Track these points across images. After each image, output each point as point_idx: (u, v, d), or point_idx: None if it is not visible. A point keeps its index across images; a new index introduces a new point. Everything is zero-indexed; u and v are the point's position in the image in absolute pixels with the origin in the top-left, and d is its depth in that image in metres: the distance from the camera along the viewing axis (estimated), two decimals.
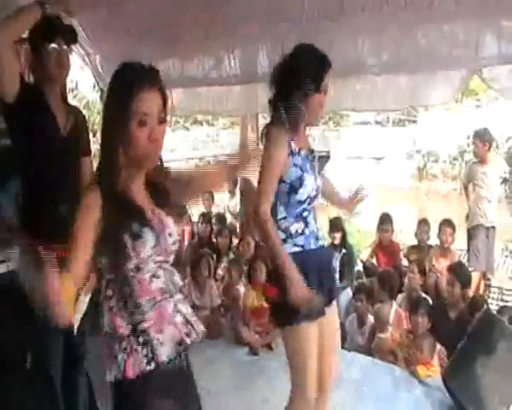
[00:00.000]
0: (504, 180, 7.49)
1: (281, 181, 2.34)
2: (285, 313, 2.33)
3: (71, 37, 2.59)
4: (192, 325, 1.76)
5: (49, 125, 2.48)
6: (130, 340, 1.63)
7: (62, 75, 2.58)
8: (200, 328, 1.80)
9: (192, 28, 4.40)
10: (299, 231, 2.38)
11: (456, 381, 3.47)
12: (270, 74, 2.45)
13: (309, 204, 2.41)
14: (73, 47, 2.70)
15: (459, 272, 4.58)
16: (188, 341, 1.73)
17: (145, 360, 1.62)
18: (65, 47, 2.51)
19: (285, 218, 2.37)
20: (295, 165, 2.34)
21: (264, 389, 2.51)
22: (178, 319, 1.73)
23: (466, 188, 6.10)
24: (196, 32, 4.43)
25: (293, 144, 2.35)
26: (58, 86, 2.59)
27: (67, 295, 1.47)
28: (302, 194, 2.35)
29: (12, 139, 2.56)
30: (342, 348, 4.33)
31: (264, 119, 5.34)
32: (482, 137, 5.89)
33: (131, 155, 1.63)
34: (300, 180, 2.34)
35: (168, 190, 1.82)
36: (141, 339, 1.63)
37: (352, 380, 3.74)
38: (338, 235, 5.98)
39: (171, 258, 1.77)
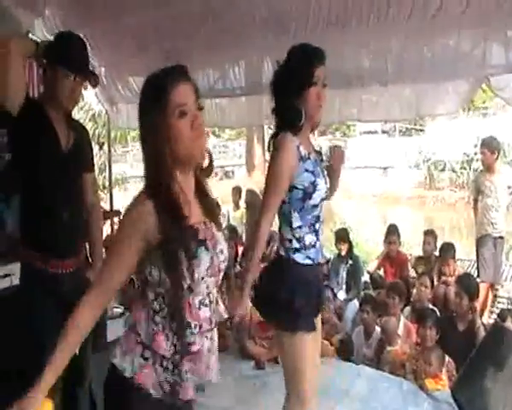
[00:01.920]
0: None
1: (293, 188, 2.33)
2: (285, 319, 2.36)
3: (93, 78, 2.59)
4: (213, 366, 1.69)
5: (50, 141, 2.46)
6: (155, 356, 1.57)
7: (70, 105, 2.56)
8: (217, 369, 1.72)
9: (196, 40, 4.40)
10: (312, 243, 2.39)
11: (465, 394, 3.43)
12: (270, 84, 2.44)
13: (320, 209, 2.42)
14: None
15: (466, 284, 4.53)
16: (212, 379, 1.68)
17: (158, 387, 1.57)
18: (82, 79, 2.50)
19: (300, 227, 2.37)
20: (307, 170, 2.33)
21: (266, 404, 2.47)
22: (211, 360, 1.66)
23: (476, 200, 6.02)
24: (201, 44, 4.43)
25: (302, 149, 2.33)
26: (64, 109, 2.56)
27: None
28: (316, 198, 2.35)
29: (13, 154, 2.56)
30: (349, 360, 4.31)
31: (270, 129, 5.34)
32: (490, 146, 5.85)
33: (178, 151, 1.56)
34: (314, 185, 2.33)
35: (216, 201, 1.76)
36: (166, 364, 1.57)
37: (358, 393, 3.69)
38: (344, 246, 5.96)
39: (221, 276, 1.70)
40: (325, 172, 2.48)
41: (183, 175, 1.61)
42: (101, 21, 4.51)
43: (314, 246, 2.39)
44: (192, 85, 1.61)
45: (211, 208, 1.71)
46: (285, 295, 2.32)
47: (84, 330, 1.56)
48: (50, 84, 2.47)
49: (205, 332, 1.61)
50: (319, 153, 2.52)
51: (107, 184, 8.63)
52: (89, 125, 15.30)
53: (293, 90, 2.32)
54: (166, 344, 1.56)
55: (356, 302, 5.32)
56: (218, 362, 1.71)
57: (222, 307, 1.73)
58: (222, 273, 1.70)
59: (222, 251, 1.66)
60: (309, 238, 2.38)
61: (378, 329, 4.52)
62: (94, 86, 2.69)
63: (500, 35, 3.56)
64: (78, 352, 2.52)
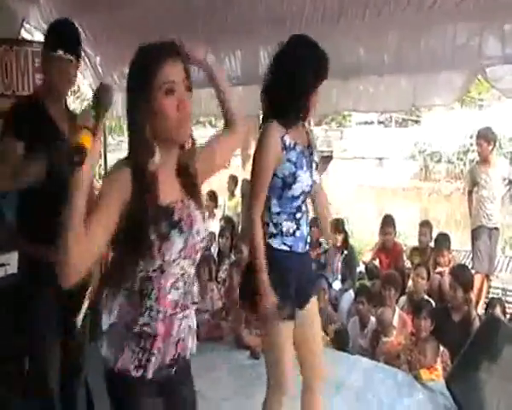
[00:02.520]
0: (509, 182, 7.44)
1: (274, 176, 2.33)
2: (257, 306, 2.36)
3: (74, 48, 2.54)
4: (187, 343, 1.72)
5: (50, 136, 2.45)
6: (130, 335, 1.59)
7: (65, 86, 2.54)
8: (194, 345, 1.75)
9: (192, 30, 4.38)
10: (291, 232, 2.38)
11: (460, 386, 3.43)
12: (267, 66, 2.43)
13: (303, 200, 2.41)
14: None
15: (461, 276, 4.54)
16: (180, 358, 1.69)
17: (136, 363, 1.58)
18: (70, 57, 2.47)
19: (278, 213, 2.36)
20: (289, 160, 2.32)
21: (262, 394, 2.48)
22: (180, 337, 1.67)
23: (470, 191, 6.03)
24: (197, 34, 4.41)
25: (287, 139, 2.32)
26: (61, 97, 2.57)
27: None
28: (296, 189, 2.34)
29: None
30: (345, 351, 4.32)
31: None
32: (486, 137, 5.85)
33: (161, 128, 1.54)
34: (294, 176, 2.32)
35: (197, 179, 1.72)
36: (141, 342, 1.59)
37: (353, 384, 3.70)
38: (340, 237, 5.96)
39: (198, 256, 1.69)
40: (314, 166, 2.44)
41: (165, 152, 1.59)
42: (96, 11, 4.48)
43: (293, 234, 2.38)
44: (183, 64, 1.59)
45: (191, 187, 1.69)
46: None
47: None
48: (46, 72, 2.50)
49: (172, 315, 1.62)
50: (310, 145, 2.47)
51: (102, 173, 8.60)
52: None
53: (299, 90, 2.30)
54: (133, 317, 1.58)
55: (351, 293, 5.34)
56: (193, 340, 1.73)
57: (196, 290, 1.74)
58: (199, 253, 1.68)
59: (198, 231, 1.64)
60: (287, 225, 2.36)
61: (373, 319, 4.53)
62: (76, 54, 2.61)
63: (496, 26, 3.56)
64: (73, 343, 2.54)
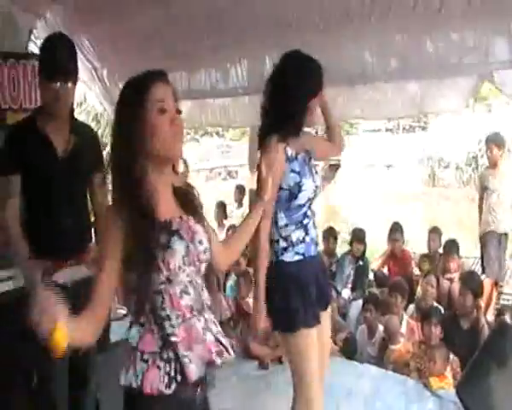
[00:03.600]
0: None
1: (279, 188, 2.35)
2: (283, 320, 2.38)
3: (71, 77, 2.55)
4: (223, 344, 1.71)
5: (42, 153, 2.48)
6: (154, 354, 1.58)
7: (62, 109, 2.55)
8: (231, 347, 1.75)
9: (198, 41, 4.40)
10: (300, 239, 2.40)
11: (470, 393, 3.39)
12: (266, 81, 2.46)
13: (309, 207, 2.43)
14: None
15: (470, 282, 4.51)
16: (218, 361, 1.68)
17: (166, 380, 1.57)
18: (66, 85, 2.49)
19: (286, 226, 2.39)
20: (293, 171, 2.35)
21: (271, 405, 2.46)
22: (209, 337, 1.66)
23: (481, 197, 5.98)
24: (202, 45, 4.43)
25: (289, 150, 2.36)
26: (59, 118, 2.57)
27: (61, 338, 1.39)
28: (301, 198, 2.37)
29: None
30: (353, 359, 4.30)
31: None
32: (496, 141, 5.83)
33: (154, 145, 1.58)
34: (299, 186, 2.35)
35: (197, 199, 1.76)
36: (166, 355, 1.58)
37: (362, 392, 3.68)
38: (360, 247, 5.93)
39: (203, 267, 1.71)
40: (314, 171, 2.48)
41: (158, 172, 1.63)
42: (103, 23, 4.50)
43: (303, 241, 2.40)
44: (171, 88, 1.64)
45: (189, 204, 1.72)
46: (280, 297, 2.35)
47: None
48: (43, 96, 2.54)
49: (191, 318, 1.62)
50: (308, 151, 2.49)
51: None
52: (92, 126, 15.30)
53: (295, 105, 2.34)
54: (154, 340, 1.59)
55: (360, 301, 5.31)
56: (217, 344, 1.70)
57: (206, 295, 1.73)
58: (204, 265, 1.70)
59: (201, 241, 1.67)
60: (296, 235, 2.39)
61: (381, 327, 4.51)
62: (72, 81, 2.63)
63: (503, 30, 3.55)
64: (81, 354, 2.54)
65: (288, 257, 2.37)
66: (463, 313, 4.38)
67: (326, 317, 2.57)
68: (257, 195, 2.33)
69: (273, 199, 2.32)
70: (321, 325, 2.46)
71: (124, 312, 4.39)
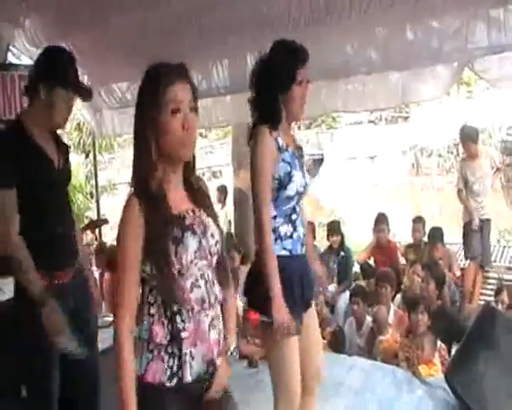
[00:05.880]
0: (497, 170, 7.44)
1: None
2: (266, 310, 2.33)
3: (86, 94, 2.55)
4: (224, 344, 1.73)
5: (40, 165, 2.41)
6: (160, 347, 1.61)
7: (64, 122, 2.53)
8: (232, 346, 1.79)
9: (179, 43, 4.38)
10: (288, 234, 2.39)
11: (459, 379, 3.41)
12: (250, 75, 2.45)
13: (297, 202, 2.42)
14: None
15: (435, 270, 4.61)
16: (218, 361, 1.70)
17: (168, 373, 1.61)
18: (75, 97, 2.47)
19: (275, 218, 2.37)
20: (284, 160, 2.35)
21: (260, 403, 2.46)
22: (213, 336, 1.68)
23: (462, 188, 5.97)
24: (183, 47, 4.40)
25: (280, 140, 2.36)
26: (57, 128, 2.55)
27: None
28: (291, 189, 2.36)
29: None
30: (342, 352, 4.31)
31: None
32: (469, 135, 5.91)
33: (166, 146, 1.61)
34: (289, 176, 2.35)
35: (207, 192, 1.81)
36: (171, 350, 1.61)
37: (353, 385, 3.68)
38: (337, 238, 5.97)
39: (215, 260, 1.73)
40: (305, 169, 2.49)
41: (170, 169, 1.66)
42: (82, 30, 4.47)
43: (291, 237, 2.39)
44: (189, 84, 1.66)
45: (200, 198, 1.75)
46: (263, 289, 2.29)
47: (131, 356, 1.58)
48: (46, 104, 2.38)
49: (201, 312, 1.64)
50: (300, 148, 2.52)
51: (94, 191, 8.61)
52: (74, 134, 15.21)
53: (277, 89, 2.34)
54: (163, 332, 1.61)
55: (347, 294, 5.33)
56: (222, 343, 1.73)
57: (218, 289, 1.73)
58: (215, 256, 1.72)
59: (213, 235, 1.70)
60: (284, 229, 2.38)
61: (369, 318, 4.53)
62: (89, 99, 2.68)
63: (482, 17, 3.57)
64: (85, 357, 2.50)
65: (276, 250, 2.35)
66: (427, 300, 4.43)
67: (313, 315, 2.56)
68: (253, 188, 2.34)
69: (270, 186, 2.33)
70: (308, 325, 2.45)
71: (110, 319, 4.38)
